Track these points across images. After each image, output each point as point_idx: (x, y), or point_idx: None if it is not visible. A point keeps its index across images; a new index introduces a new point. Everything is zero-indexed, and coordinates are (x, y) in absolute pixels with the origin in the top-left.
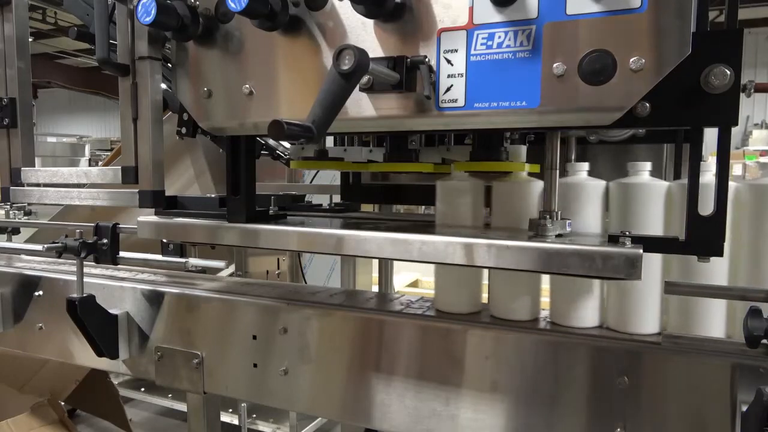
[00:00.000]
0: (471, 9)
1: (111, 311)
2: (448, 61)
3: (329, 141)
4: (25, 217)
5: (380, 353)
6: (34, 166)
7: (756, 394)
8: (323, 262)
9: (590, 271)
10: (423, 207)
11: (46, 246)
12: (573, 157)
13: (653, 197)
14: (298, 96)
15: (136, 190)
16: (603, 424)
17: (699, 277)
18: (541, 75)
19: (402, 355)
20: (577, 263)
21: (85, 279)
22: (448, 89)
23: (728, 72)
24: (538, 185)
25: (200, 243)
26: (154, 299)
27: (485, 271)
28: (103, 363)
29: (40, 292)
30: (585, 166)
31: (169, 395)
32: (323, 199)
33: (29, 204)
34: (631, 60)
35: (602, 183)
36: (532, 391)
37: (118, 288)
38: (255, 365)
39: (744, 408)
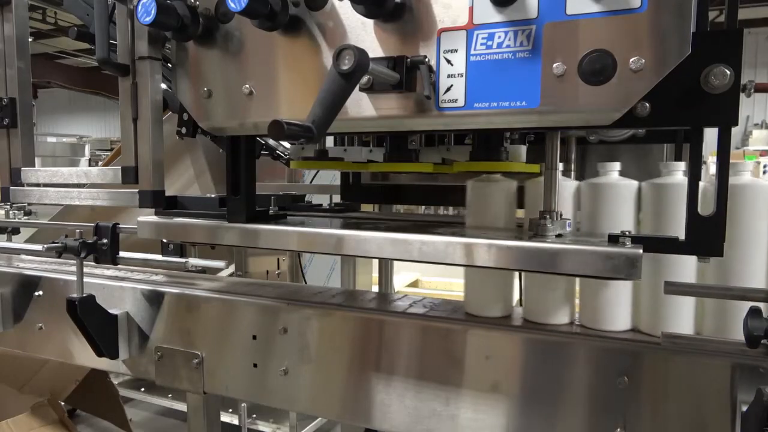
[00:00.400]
0: (471, 9)
1: (111, 311)
2: (448, 61)
3: (329, 141)
4: (25, 217)
5: (380, 353)
6: (34, 166)
7: (756, 394)
8: (323, 262)
9: (590, 271)
10: (423, 207)
11: (46, 246)
12: (573, 157)
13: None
14: (298, 96)
15: (136, 190)
16: (603, 424)
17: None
18: (541, 75)
19: (402, 355)
20: (577, 263)
21: (85, 279)
22: (448, 89)
23: (728, 72)
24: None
25: (200, 243)
26: (154, 299)
27: (516, 274)
28: (103, 363)
29: (40, 292)
30: (617, 166)
31: (169, 395)
32: (323, 199)
33: (29, 204)
34: (631, 60)
35: (635, 183)
36: (532, 391)
37: (118, 288)
38: (255, 365)
39: (744, 408)
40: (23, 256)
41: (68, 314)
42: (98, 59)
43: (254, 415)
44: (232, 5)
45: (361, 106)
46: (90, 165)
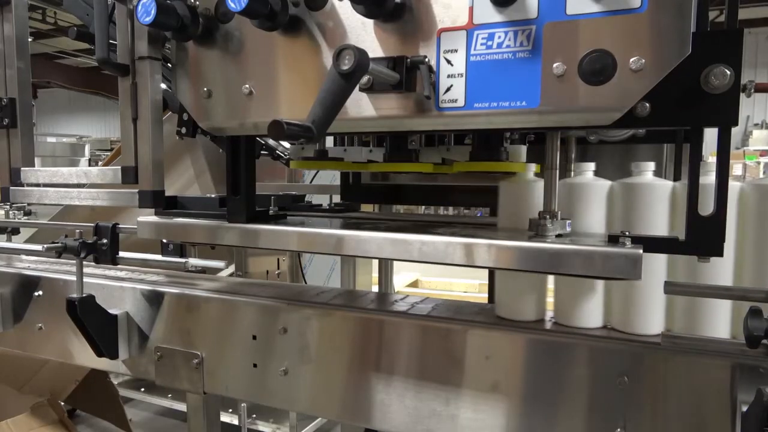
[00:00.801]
0: (471, 9)
1: (111, 311)
2: (448, 61)
3: (329, 141)
4: (25, 217)
5: (380, 353)
6: (34, 166)
7: (756, 394)
8: (323, 262)
9: (590, 271)
10: (423, 207)
11: (45, 246)
12: (573, 157)
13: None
14: (298, 96)
15: (136, 190)
16: (603, 424)
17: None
18: (541, 75)
19: (402, 355)
20: (577, 263)
21: (85, 279)
22: (448, 89)
23: (728, 72)
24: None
25: (200, 243)
26: (154, 299)
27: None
28: (103, 363)
29: (40, 292)
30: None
31: (169, 395)
32: (323, 199)
33: (29, 204)
34: (631, 60)
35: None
36: (532, 391)
37: (117, 288)
38: (255, 365)
39: (744, 408)
40: (23, 256)
41: (68, 314)
42: (98, 59)
43: (254, 415)
44: (232, 5)
45: (361, 106)
46: (90, 165)
